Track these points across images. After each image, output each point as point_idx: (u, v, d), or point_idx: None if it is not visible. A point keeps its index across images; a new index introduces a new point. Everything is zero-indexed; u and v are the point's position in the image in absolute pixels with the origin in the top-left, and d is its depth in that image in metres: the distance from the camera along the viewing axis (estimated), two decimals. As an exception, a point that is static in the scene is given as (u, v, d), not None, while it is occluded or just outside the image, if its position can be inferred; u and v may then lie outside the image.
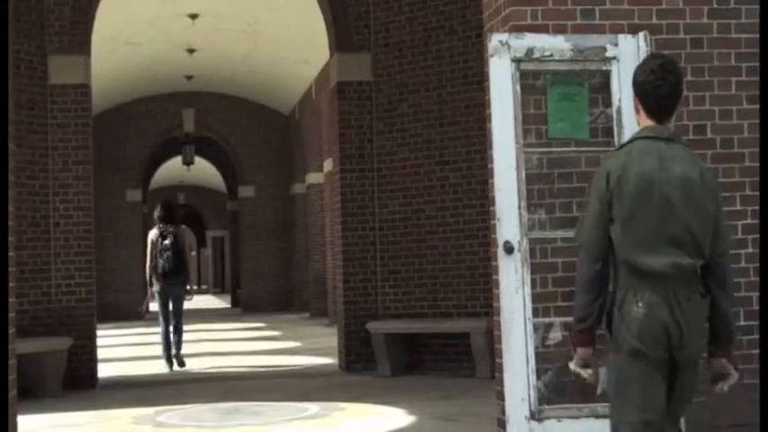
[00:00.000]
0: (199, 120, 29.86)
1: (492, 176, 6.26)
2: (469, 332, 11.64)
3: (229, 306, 36.67)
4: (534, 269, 6.07)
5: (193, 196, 50.28)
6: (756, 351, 6.44)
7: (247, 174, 30.69)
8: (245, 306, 30.95)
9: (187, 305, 14.53)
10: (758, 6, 6.59)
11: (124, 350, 18.12)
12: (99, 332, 12.99)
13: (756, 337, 6.47)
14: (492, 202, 6.35)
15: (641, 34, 6.29)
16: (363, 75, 12.88)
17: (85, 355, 12.05)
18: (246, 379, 12.90)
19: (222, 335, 21.72)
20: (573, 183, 6.40)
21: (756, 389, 6.42)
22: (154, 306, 16.22)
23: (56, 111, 12.03)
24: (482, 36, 11.93)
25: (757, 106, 6.58)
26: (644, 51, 6.23)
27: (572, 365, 4.60)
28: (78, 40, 12.19)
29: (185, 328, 14.60)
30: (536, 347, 6.02)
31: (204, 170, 39.16)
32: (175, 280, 13.68)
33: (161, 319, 13.90)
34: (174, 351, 13.90)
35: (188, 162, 31.37)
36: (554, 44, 6.14)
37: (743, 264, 6.49)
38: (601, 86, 6.34)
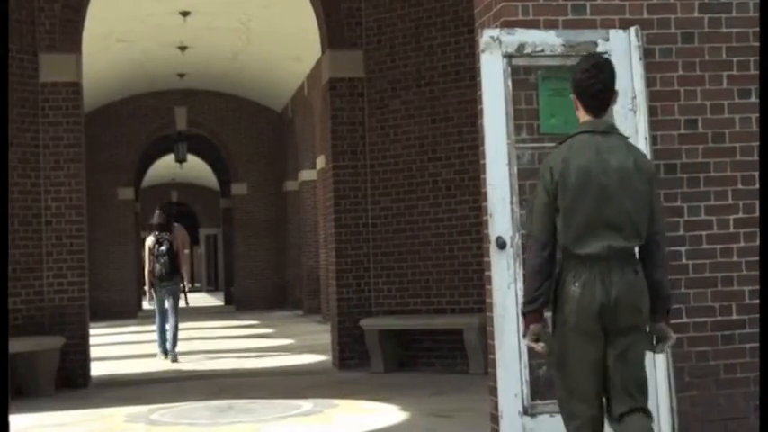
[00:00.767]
0: (191, 117, 29.80)
1: (484, 172, 6.26)
2: (462, 328, 11.64)
3: (222, 304, 36.67)
4: (526, 265, 6.06)
5: (186, 194, 50.20)
6: (749, 345, 6.45)
7: (240, 171, 30.64)
8: (238, 304, 30.92)
9: (181, 303, 15.65)
10: (750, 1, 6.59)
11: (117, 349, 18.09)
12: (91, 331, 12.97)
13: (749, 330, 6.48)
14: (484, 197, 6.35)
15: (632, 29, 6.29)
16: (355, 71, 12.86)
17: (78, 353, 12.02)
18: (240, 376, 12.89)
19: (215, 332, 21.69)
20: (565, 178, 6.39)
21: (749, 383, 6.44)
22: (149, 305, 17.00)
23: (47, 109, 12.00)
24: (474, 32, 11.97)
25: (748, 100, 6.58)
26: (635, 46, 6.24)
27: (526, 341, 5.05)
28: (69, 38, 12.16)
29: (180, 325, 15.83)
30: (528, 343, 6.02)
31: (197, 168, 39.09)
32: (170, 281, 15.05)
33: (157, 315, 15.20)
34: (168, 346, 15.13)
35: (180, 160, 31.30)
36: (545, 39, 6.14)
37: (735, 258, 6.50)
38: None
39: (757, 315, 6.43)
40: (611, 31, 6.27)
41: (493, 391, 6.72)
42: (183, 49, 23.61)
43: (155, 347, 16.14)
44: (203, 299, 44.24)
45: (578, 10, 6.36)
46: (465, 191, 12.14)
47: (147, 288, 15.38)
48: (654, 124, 6.40)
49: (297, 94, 26.64)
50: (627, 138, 5.03)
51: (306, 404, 9.94)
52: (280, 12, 20.04)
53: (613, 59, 6.11)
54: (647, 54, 6.39)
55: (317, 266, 24.82)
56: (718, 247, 6.49)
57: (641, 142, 6.18)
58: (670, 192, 6.41)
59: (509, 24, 6.24)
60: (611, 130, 4.92)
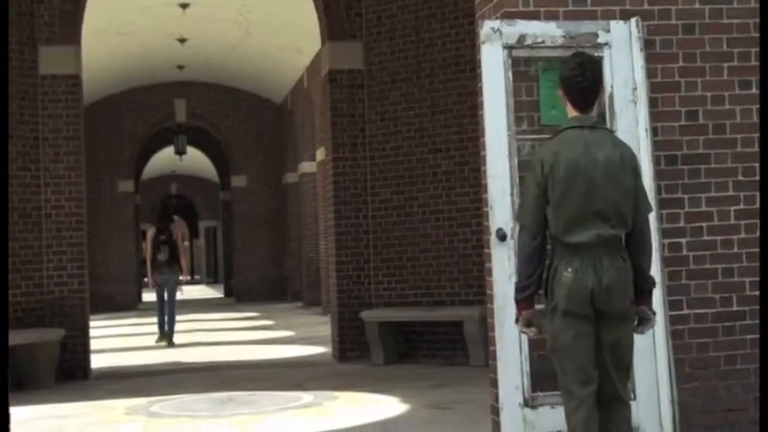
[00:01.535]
0: (191, 109, 29.77)
1: (484, 164, 6.25)
2: (463, 320, 11.63)
3: (222, 296, 36.66)
4: (527, 256, 6.04)
5: (186, 186, 50.18)
6: (749, 337, 6.44)
7: (240, 163, 30.62)
8: (238, 296, 30.93)
9: (179, 296, 16.89)
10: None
11: (117, 341, 18.08)
12: (91, 323, 12.98)
13: (749, 322, 6.46)
14: (485, 189, 6.34)
15: (633, 20, 6.27)
16: (355, 63, 12.85)
17: (78, 346, 12.03)
18: (240, 368, 12.89)
19: (215, 324, 21.69)
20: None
21: (749, 374, 6.44)
22: (148, 297, 18.88)
23: (46, 101, 11.98)
24: (474, 23, 11.94)
25: (749, 91, 6.57)
26: (636, 37, 6.22)
27: (518, 326, 5.26)
28: (69, 30, 12.13)
29: (178, 318, 17.38)
30: (529, 334, 6.01)
31: (196, 160, 39.07)
32: (170, 270, 16.33)
33: (157, 301, 16.55)
34: (166, 328, 16.47)
35: (180, 152, 31.28)
36: (546, 31, 6.12)
37: (735, 249, 6.49)
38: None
39: (758, 306, 6.42)
40: (612, 22, 6.25)
41: (493, 382, 6.72)
42: (182, 41, 23.59)
43: (155, 339, 17.01)
44: (203, 291, 44.25)
45: (579, 1, 6.34)
46: (465, 182, 12.13)
47: (148, 276, 16.66)
48: (654, 115, 6.39)
49: (296, 85, 26.61)
50: (613, 132, 5.29)
51: (306, 396, 9.94)
52: (279, 3, 20.03)
53: (614, 50, 6.12)
54: (647, 45, 6.37)
55: (317, 258, 24.81)
56: (719, 238, 6.48)
57: (641, 133, 6.17)
58: (671, 183, 6.40)
59: (509, 15, 6.22)
60: (598, 124, 5.18)
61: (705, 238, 6.46)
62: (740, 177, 6.53)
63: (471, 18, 11.86)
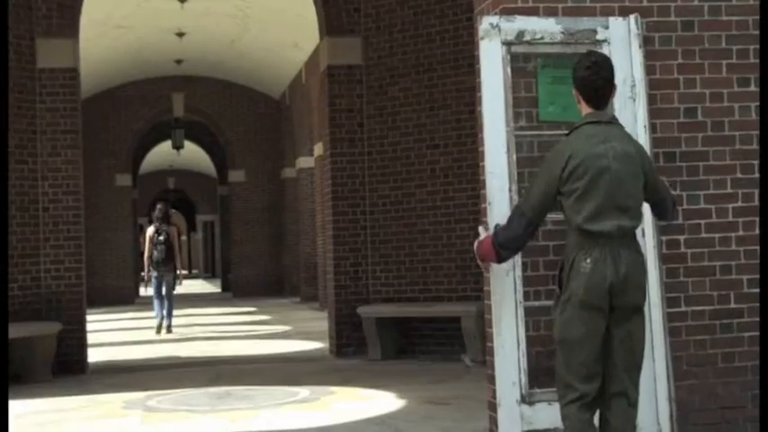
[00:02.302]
0: (188, 104, 29.75)
1: (483, 160, 6.23)
2: (460, 316, 11.63)
3: (220, 291, 36.66)
4: (525, 253, 6.04)
5: (183, 181, 50.19)
6: (747, 334, 6.44)
7: (237, 158, 30.61)
8: (235, 291, 30.92)
9: (178, 290, 18.10)
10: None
11: (114, 335, 18.08)
12: (89, 317, 12.97)
13: (747, 319, 6.46)
14: (483, 185, 6.33)
15: (632, 17, 6.26)
16: (353, 58, 12.84)
17: (75, 340, 12.01)
18: (237, 363, 12.88)
19: (213, 319, 21.68)
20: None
21: (747, 372, 6.43)
22: (146, 291, 19.99)
23: (44, 95, 11.97)
24: (473, 19, 11.92)
25: (748, 89, 6.56)
26: (635, 34, 6.21)
27: (480, 263, 5.71)
28: (66, 23, 12.11)
29: (176, 312, 18.73)
30: (527, 331, 6.00)
31: (194, 154, 39.06)
32: (167, 267, 17.58)
33: (155, 295, 17.70)
34: (165, 320, 17.60)
35: (178, 146, 31.28)
36: (545, 27, 6.11)
37: (733, 247, 6.49)
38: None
39: (756, 304, 6.42)
40: (611, 19, 6.23)
41: (491, 378, 6.71)
42: (180, 35, 23.57)
43: (152, 334, 17.52)
44: (200, 286, 44.25)
45: (578, -3, 6.32)
46: (463, 178, 12.12)
47: (145, 272, 18.01)
48: (653, 112, 6.38)
49: (294, 80, 26.59)
50: (623, 127, 5.37)
51: (303, 391, 9.93)
52: (277, -3, 20.02)
53: (612, 47, 6.11)
54: (646, 42, 6.36)
55: (315, 254, 24.78)
56: (717, 235, 6.47)
57: (640, 130, 6.16)
58: (669, 180, 6.38)
59: (508, 11, 6.21)
60: (614, 120, 5.31)
61: (703, 235, 6.46)
62: (738, 175, 6.52)
63: (470, 14, 11.86)
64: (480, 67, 6.12)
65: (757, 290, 6.43)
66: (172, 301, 17.85)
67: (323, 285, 21.77)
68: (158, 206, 18.21)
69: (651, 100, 6.39)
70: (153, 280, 17.72)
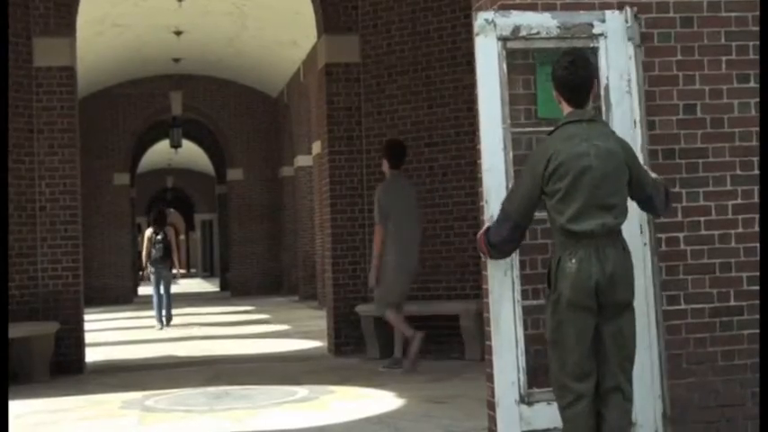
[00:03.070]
0: (186, 103, 29.73)
1: (480, 157, 6.20)
2: (459, 314, 11.60)
3: (218, 289, 36.62)
4: (523, 251, 6.00)
5: (182, 180, 50.17)
6: (747, 332, 6.40)
7: (236, 157, 30.59)
8: (233, 289, 30.89)
9: (176, 289, 19.34)
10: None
11: (113, 334, 18.06)
12: (87, 316, 12.94)
13: (747, 317, 6.42)
14: (480, 183, 6.29)
15: (627, 9, 6.17)
16: (351, 56, 12.80)
17: (73, 339, 11.97)
18: (235, 362, 12.85)
19: (211, 318, 21.67)
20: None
21: (747, 369, 6.40)
22: (144, 291, 20.83)
23: (41, 93, 11.92)
24: (470, 16, 11.89)
25: (747, 85, 6.51)
26: (633, 29, 6.14)
27: (482, 255, 5.80)
28: (63, 22, 12.06)
29: (174, 312, 20.01)
30: (525, 329, 5.95)
31: (192, 153, 39.03)
32: (164, 265, 18.88)
33: (154, 291, 19.04)
34: (164, 313, 19.07)
35: (176, 145, 31.25)
36: (541, 22, 6.05)
37: (733, 244, 6.44)
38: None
39: (756, 301, 6.38)
40: (607, 12, 6.14)
41: (489, 377, 6.68)
42: (178, 33, 23.54)
43: (151, 333, 17.72)
44: (198, 285, 44.23)
45: (576, -8, 6.27)
46: (461, 176, 12.09)
47: (144, 270, 19.55)
48: (652, 109, 6.34)
49: (293, 79, 26.56)
50: (607, 124, 5.47)
51: (302, 390, 9.90)
52: (275, -4, 19.98)
53: (609, 41, 6.06)
54: (645, 38, 6.31)
55: (313, 252, 24.77)
56: (717, 233, 6.43)
57: (634, 124, 6.09)
58: (668, 177, 6.33)
59: (506, 7, 6.16)
60: (596, 117, 5.32)
61: (703, 232, 6.42)
62: (738, 171, 6.48)
63: (467, 11, 11.82)
64: (476, 64, 6.08)
65: (757, 287, 6.39)
66: (170, 296, 19.34)
67: (321, 284, 21.74)
68: (156, 209, 20.01)
69: (650, 96, 6.35)
70: (151, 276, 18.98)
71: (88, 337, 13.07)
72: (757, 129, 6.50)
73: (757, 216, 6.46)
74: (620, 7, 6.23)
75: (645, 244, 5.96)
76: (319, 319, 17.38)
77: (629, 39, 6.14)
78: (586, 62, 5.29)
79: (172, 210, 59.09)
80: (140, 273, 21.28)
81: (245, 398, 9.60)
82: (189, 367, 12.48)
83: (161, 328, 18.75)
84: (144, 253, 19.08)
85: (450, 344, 12.01)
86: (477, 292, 11.69)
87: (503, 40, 6.00)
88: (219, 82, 29.69)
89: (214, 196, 40.30)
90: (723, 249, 6.44)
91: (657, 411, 5.92)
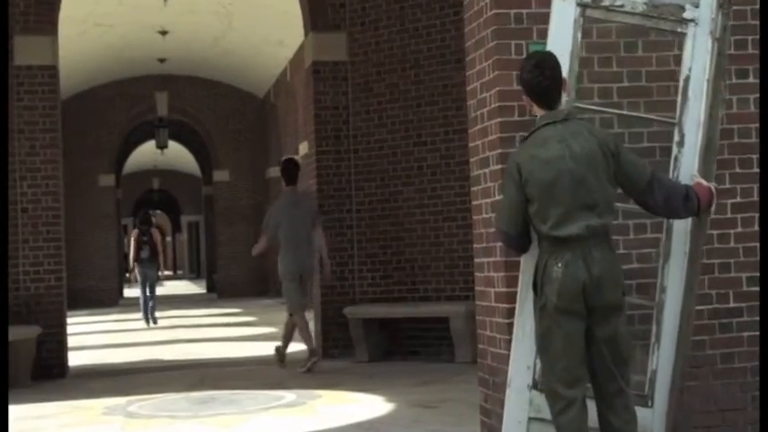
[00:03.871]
0: (172, 103, 29.54)
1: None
2: (449, 316, 11.43)
3: (205, 291, 36.41)
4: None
5: (168, 181, 49.97)
6: (747, 334, 6.23)
7: (222, 158, 30.41)
8: (220, 291, 30.69)
9: (163, 291, 19.35)
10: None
11: (97, 338, 17.84)
12: (71, 319, 12.78)
13: (746, 319, 6.25)
14: (473, 182, 6.11)
15: None
16: (339, 54, 12.61)
17: (55, 343, 11.75)
18: (222, 366, 12.67)
19: (197, 321, 21.51)
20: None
21: (746, 373, 6.23)
22: (129, 293, 21.26)
23: (22, 93, 11.71)
24: (460, 12, 11.71)
25: (746, 81, 6.35)
26: (716, 20, 5.60)
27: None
28: (45, 19, 11.83)
29: (159, 314, 20.73)
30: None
31: (179, 154, 38.83)
32: (151, 264, 19.80)
33: (140, 290, 19.99)
34: (150, 312, 19.91)
35: (161, 146, 31.09)
36: None
37: (732, 244, 6.27)
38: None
39: (756, 303, 6.21)
40: None
41: (482, 382, 6.51)
42: (163, 33, 23.34)
43: (136, 336, 17.74)
44: (185, 287, 44.02)
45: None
46: (451, 176, 11.92)
47: (131, 271, 20.45)
48: (649, 105, 6.17)
49: (279, 79, 26.39)
50: (585, 121, 5.29)
51: (289, 395, 9.70)
52: (261, -6, 19.79)
53: (699, 29, 5.58)
54: (643, 32, 6.13)
55: (301, 254, 24.53)
56: (715, 232, 6.24)
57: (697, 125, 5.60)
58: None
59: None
60: (570, 116, 5.16)
61: (701, 231, 6.24)
62: (737, 169, 6.30)
63: (457, 8, 11.66)
64: (549, 28, 5.59)
65: (757, 288, 6.21)
66: (155, 295, 20.18)
67: (309, 286, 21.54)
68: (141, 211, 21.05)
69: (647, 92, 6.18)
70: (138, 277, 19.89)
71: (72, 341, 12.87)
72: (757, 125, 6.32)
73: (757, 215, 6.28)
74: None
75: (684, 253, 5.60)
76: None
77: (710, 31, 5.63)
78: (551, 62, 5.15)
79: (158, 211, 58.96)
80: (127, 274, 22.24)
81: (232, 403, 9.40)
82: (174, 371, 12.29)
83: (148, 327, 19.62)
84: (131, 255, 19.85)
85: (439, 346, 11.84)
86: (468, 293, 11.53)
87: (582, 6, 5.54)
88: (205, 82, 29.48)
89: (200, 198, 40.06)
90: (722, 249, 6.27)
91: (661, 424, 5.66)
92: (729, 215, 6.30)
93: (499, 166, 6.04)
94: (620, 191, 5.24)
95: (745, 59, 6.35)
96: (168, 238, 67.90)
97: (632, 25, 5.80)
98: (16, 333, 11.06)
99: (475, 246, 6.56)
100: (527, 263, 5.34)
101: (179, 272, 63.38)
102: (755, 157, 6.32)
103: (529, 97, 5.19)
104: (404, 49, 12.29)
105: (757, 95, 6.32)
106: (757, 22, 6.34)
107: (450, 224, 11.93)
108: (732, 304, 6.25)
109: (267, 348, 14.53)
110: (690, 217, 5.36)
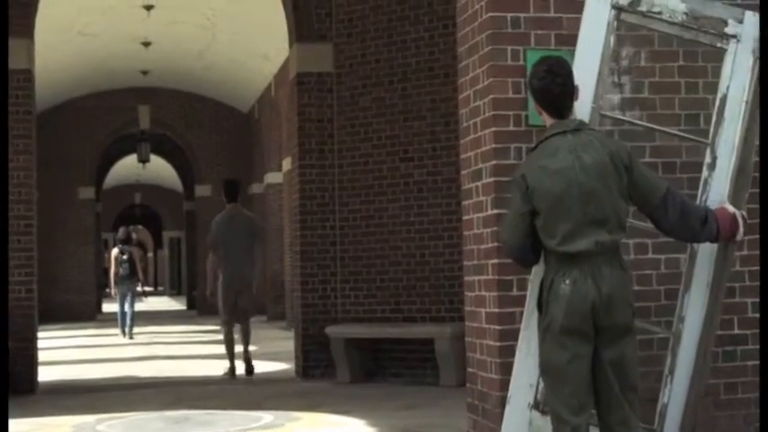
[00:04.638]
0: (155, 116, 29.20)
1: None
2: (434, 338, 11.05)
3: (185, 308, 35.99)
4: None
5: (150, 196, 49.59)
6: (751, 363, 5.91)
7: (204, 173, 30.04)
8: (200, 308, 30.26)
9: (143, 307, 20.25)
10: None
11: (71, 353, 17.40)
12: (46, 333, 12.41)
13: (751, 347, 5.93)
14: (463, 195, 5.76)
15: (750, 14, 5.35)
16: (324, 66, 12.26)
17: (24, 357, 11.31)
18: (198, 385, 12.27)
19: (176, 338, 21.16)
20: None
21: (750, 404, 5.89)
22: (108, 308, 21.67)
23: (-4, 97, 11.32)
24: (449, 26, 11.40)
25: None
26: (756, 38, 5.30)
27: None
28: (21, 22, 11.43)
29: (137, 330, 21.22)
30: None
31: (161, 169, 38.48)
32: (130, 281, 20.46)
33: (119, 305, 20.69)
34: (128, 326, 20.55)
35: (143, 160, 30.74)
36: (667, 1, 5.27)
37: (737, 267, 5.93)
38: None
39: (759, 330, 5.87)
40: (748, 13, 5.32)
41: (471, 408, 6.16)
42: (146, 44, 23.00)
43: (111, 352, 17.46)
44: (166, 303, 43.60)
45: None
46: (438, 193, 11.58)
47: (111, 287, 20.98)
48: (652, 118, 5.85)
49: (264, 94, 26.11)
50: (598, 131, 4.99)
51: (266, 416, 9.32)
52: (247, 7, 19.49)
53: (741, 46, 5.28)
54: (646, 42, 5.80)
55: (282, 271, 24.34)
56: (719, 254, 5.91)
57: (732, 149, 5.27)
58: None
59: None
60: (581, 126, 4.87)
61: (705, 253, 5.89)
62: (743, 188, 5.97)
63: (446, 21, 11.36)
64: (581, 29, 5.29)
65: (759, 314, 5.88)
66: (133, 310, 20.75)
67: (290, 304, 21.22)
68: (121, 229, 21.45)
69: (650, 105, 5.86)
70: (118, 294, 20.45)
71: (45, 356, 12.47)
72: (756, 143, 6.00)
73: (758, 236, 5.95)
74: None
75: (707, 284, 5.25)
76: (287, 341, 16.78)
77: (753, 49, 5.31)
78: (564, 68, 4.86)
79: (140, 227, 58.51)
80: (107, 289, 22.92)
81: (206, 424, 9.02)
82: (148, 389, 11.89)
83: (124, 337, 20.36)
84: (111, 272, 20.55)
85: (423, 368, 11.47)
86: (453, 314, 11.19)
87: (617, 9, 5.24)
88: (189, 96, 29.14)
89: (182, 213, 39.66)
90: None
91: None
92: (735, 237, 5.96)
93: (492, 179, 5.70)
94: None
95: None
96: (150, 254, 67.43)
97: (639, 35, 5.49)
98: (-16, 347, 10.66)
99: (465, 263, 6.21)
100: (536, 274, 5.00)
101: (160, 288, 62.86)
102: (756, 175, 5.99)
103: (539, 105, 4.93)
104: (391, 62, 11.95)
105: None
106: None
107: (437, 243, 11.58)
108: (736, 331, 5.94)
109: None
110: (707, 242, 5.08)
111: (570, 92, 4.86)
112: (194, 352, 17.21)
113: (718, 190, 5.22)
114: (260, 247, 13.00)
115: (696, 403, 5.16)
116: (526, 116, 5.72)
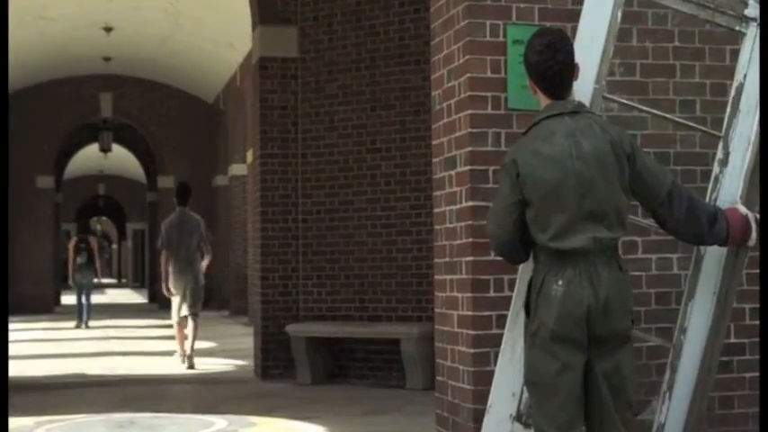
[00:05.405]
0: (117, 105, 28.53)
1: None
2: (400, 338, 10.50)
3: (146, 301, 35.33)
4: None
5: (114, 187, 48.94)
6: (749, 375, 5.39)
7: (168, 164, 29.39)
8: (161, 301, 29.55)
9: (103, 299, 21.67)
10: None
11: (22, 347, 16.73)
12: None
13: (748, 357, 5.42)
14: (434, 188, 5.20)
15: None
16: (288, 50, 11.67)
17: (-33, 354, 10.70)
18: (149, 384, 11.67)
19: (133, 332, 20.52)
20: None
21: (747, 420, 5.36)
22: (66, 300, 22.95)
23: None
24: (420, 10, 10.85)
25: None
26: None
27: None
28: (-35, -3, 10.81)
29: (93, 323, 21.70)
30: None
31: (124, 159, 37.80)
32: (88, 271, 21.22)
33: (77, 295, 21.54)
34: (84, 317, 21.34)
35: (105, 149, 30.10)
36: None
37: (735, 269, 5.39)
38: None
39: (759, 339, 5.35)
40: None
41: (441, 420, 5.59)
42: (108, 30, 22.35)
43: (63, 347, 16.94)
44: (128, 295, 42.88)
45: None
46: (406, 186, 11.03)
47: (69, 276, 21.54)
48: (642, 104, 5.30)
49: (229, 83, 25.52)
50: (599, 116, 4.47)
51: (220, 421, 8.72)
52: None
53: (761, 30, 4.73)
54: (640, 19, 5.26)
55: (245, 265, 23.84)
56: (715, 255, 5.38)
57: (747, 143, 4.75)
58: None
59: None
60: (580, 108, 4.34)
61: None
62: (741, 183, 5.44)
63: (417, 5, 10.82)
64: (585, 1, 4.76)
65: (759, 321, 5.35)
66: (90, 300, 21.51)
67: (252, 300, 20.67)
68: (83, 219, 22.34)
69: (643, 90, 5.32)
70: (75, 283, 21.15)
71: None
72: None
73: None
74: None
75: (714, 293, 4.71)
76: (248, 337, 16.14)
77: (755, 38, 4.76)
78: (566, 44, 4.32)
79: (104, 218, 57.77)
80: (68, 281, 23.04)
81: (153, 428, 8.42)
82: (97, 388, 11.30)
83: (78, 326, 21.22)
84: (70, 262, 21.11)
85: (389, 370, 10.93)
86: (420, 314, 10.65)
87: None
88: (152, 85, 28.50)
89: (146, 204, 38.97)
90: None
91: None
92: (731, 236, 5.42)
93: (468, 168, 5.15)
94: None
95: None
96: (114, 246, 66.73)
97: (629, 11, 4.94)
98: None
99: (435, 260, 5.65)
100: (526, 270, 4.43)
101: (123, 280, 62.14)
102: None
103: (534, 82, 4.38)
104: (359, 47, 11.38)
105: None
106: None
107: (404, 238, 11.03)
108: (733, 339, 5.42)
109: (203, 364, 13.59)
110: (715, 245, 4.56)
111: (571, 70, 4.34)
112: (150, 348, 16.59)
113: (730, 189, 4.68)
114: (207, 249, 13.43)
115: (696, 426, 4.61)
116: (506, 98, 5.18)
